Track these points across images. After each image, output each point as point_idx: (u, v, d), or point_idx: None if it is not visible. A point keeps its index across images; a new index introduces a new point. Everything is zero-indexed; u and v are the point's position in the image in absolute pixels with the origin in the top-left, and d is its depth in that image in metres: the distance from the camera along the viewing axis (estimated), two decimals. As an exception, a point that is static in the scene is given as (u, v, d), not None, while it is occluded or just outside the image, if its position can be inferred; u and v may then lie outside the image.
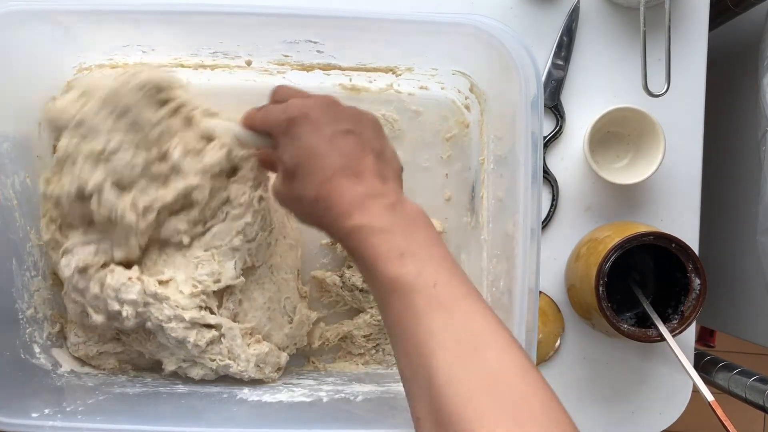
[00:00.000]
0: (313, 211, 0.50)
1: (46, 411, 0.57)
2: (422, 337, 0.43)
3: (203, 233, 0.62)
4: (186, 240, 0.62)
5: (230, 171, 0.62)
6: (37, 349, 0.65)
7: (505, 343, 0.43)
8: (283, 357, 0.67)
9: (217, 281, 0.62)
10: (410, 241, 0.46)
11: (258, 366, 0.65)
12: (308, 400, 0.64)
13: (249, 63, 0.68)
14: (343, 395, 0.64)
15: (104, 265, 0.61)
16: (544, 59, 0.74)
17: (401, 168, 0.54)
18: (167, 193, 0.59)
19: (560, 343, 0.74)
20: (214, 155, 0.60)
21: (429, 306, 0.43)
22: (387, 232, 0.46)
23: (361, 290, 0.70)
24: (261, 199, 0.63)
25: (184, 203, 0.61)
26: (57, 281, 0.67)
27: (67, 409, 0.58)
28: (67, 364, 0.66)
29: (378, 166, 0.50)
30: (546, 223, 0.74)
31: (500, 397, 0.39)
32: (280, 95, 0.56)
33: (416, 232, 0.47)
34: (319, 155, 0.49)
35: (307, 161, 0.50)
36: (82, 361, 0.67)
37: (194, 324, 0.62)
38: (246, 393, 0.64)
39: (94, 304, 0.61)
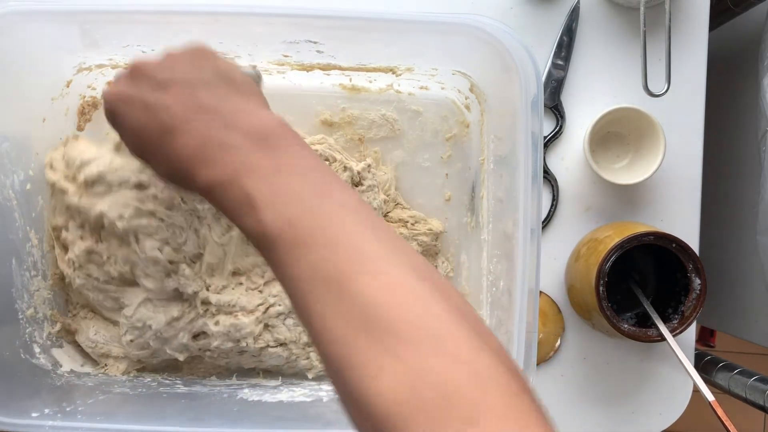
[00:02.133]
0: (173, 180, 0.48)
1: (46, 411, 0.57)
2: (290, 289, 0.39)
3: None
4: None
5: (356, 184, 0.68)
6: (37, 349, 0.65)
7: (382, 264, 0.37)
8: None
9: None
10: (257, 178, 0.42)
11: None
12: (308, 400, 0.64)
13: (253, 68, 0.68)
14: (343, 395, 0.64)
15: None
16: (544, 59, 0.74)
17: (249, 82, 0.49)
18: None
19: (560, 343, 0.74)
20: None
21: (290, 253, 0.39)
22: (228, 181, 0.42)
23: None
24: None
25: None
26: (57, 281, 0.67)
27: (67, 409, 0.58)
28: (67, 364, 0.66)
29: (203, 97, 0.45)
30: (546, 223, 0.74)
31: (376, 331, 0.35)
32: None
33: (264, 159, 0.42)
34: (138, 134, 0.47)
35: (133, 141, 0.48)
36: (91, 359, 0.67)
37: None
38: (246, 393, 0.64)
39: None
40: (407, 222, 0.71)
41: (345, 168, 0.68)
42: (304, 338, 0.67)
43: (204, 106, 0.45)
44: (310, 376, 0.68)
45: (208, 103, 0.45)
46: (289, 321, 0.66)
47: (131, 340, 0.65)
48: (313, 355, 0.67)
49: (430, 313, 0.35)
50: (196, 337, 0.65)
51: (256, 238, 0.41)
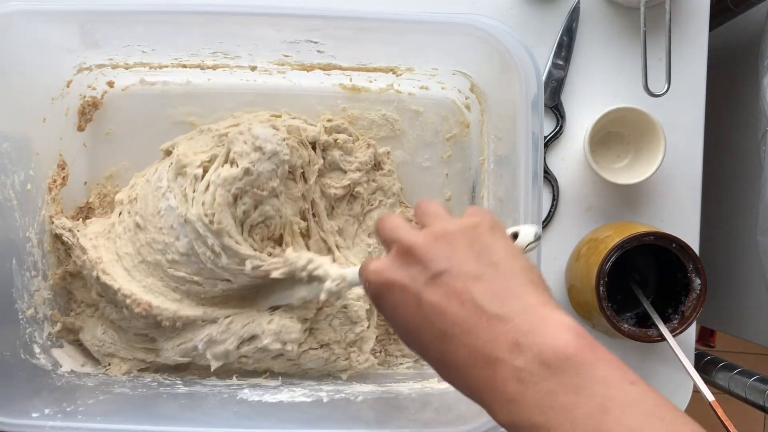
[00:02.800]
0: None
1: (46, 411, 0.57)
2: None
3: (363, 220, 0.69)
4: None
5: (376, 164, 0.70)
6: (37, 349, 0.65)
7: None
8: None
9: None
10: (574, 425, 0.35)
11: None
12: (308, 400, 0.64)
13: (254, 68, 0.68)
14: (343, 395, 0.64)
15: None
16: (544, 59, 0.74)
17: (531, 268, 0.42)
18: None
19: (560, 343, 0.74)
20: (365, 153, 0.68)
21: None
22: (538, 427, 0.35)
23: None
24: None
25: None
26: (57, 281, 0.67)
27: (67, 409, 0.58)
28: (67, 365, 0.66)
29: (484, 299, 0.39)
30: (546, 223, 0.74)
31: None
32: (417, 213, 0.48)
33: (575, 397, 0.35)
34: (411, 331, 0.42)
35: (405, 336, 0.43)
36: (92, 358, 0.67)
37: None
38: (246, 393, 0.64)
39: None
40: (412, 221, 0.71)
41: (369, 145, 0.69)
42: (350, 336, 0.66)
43: (485, 313, 0.38)
44: (344, 377, 0.68)
45: (490, 309, 0.38)
46: (336, 321, 0.66)
47: (179, 344, 0.64)
48: (353, 355, 0.67)
49: None
50: (240, 344, 0.64)
51: None
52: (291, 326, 0.63)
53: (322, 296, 0.57)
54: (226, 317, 0.63)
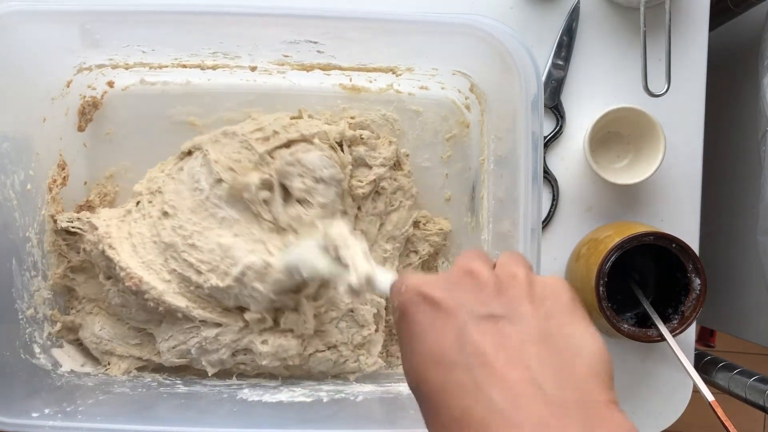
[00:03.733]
0: None
1: (46, 411, 0.57)
2: None
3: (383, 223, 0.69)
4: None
5: (397, 163, 0.70)
6: (37, 349, 0.65)
7: None
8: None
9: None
10: None
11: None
12: (308, 400, 0.64)
13: (254, 69, 0.68)
14: (343, 395, 0.64)
15: None
16: (544, 59, 0.74)
17: (604, 354, 0.34)
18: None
19: (560, 343, 0.74)
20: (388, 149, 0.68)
21: None
22: None
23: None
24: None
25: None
26: (57, 281, 0.67)
27: (67, 409, 0.58)
28: (67, 364, 0.66)
29: (543, 374, 0.32)
30: (546, 223, 0.74)
31: None
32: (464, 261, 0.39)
33: None
34: (435, 362, 0.34)
35: (420, 363, 0.35)
36: (92, 357, 0.67)
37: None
38: (246, 393, 0.64)
39: None
40: (419, 222, 0.71)
41: (390, 142, 0.69)
42: (357, 339, 0.66)
43: (539, 386, 0.31)
44: (352, 378, 0.68)
45: (544, 384, 0.31)
46: (342, 324, 0.66)
47: (174, 347, 0.65)
48: (362, 358, 0.67)
49: None
50: (235, 353, 0.65)
51: None
52: (287, 345, 0.64)
53: (340, 288, 0.50)
54: (215, 324, 0.64)
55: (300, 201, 0.63)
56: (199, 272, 0.62)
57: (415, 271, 0.38)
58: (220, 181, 0.64)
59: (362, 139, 0.68)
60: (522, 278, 0.36)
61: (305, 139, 0.65)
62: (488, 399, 0.31)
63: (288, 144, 0.65)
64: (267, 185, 0.63)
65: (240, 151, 0.65)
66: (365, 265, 0.49)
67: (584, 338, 0.34)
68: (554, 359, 0.32)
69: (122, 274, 0.62)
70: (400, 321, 0.37)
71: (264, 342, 0.64)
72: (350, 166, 0.67)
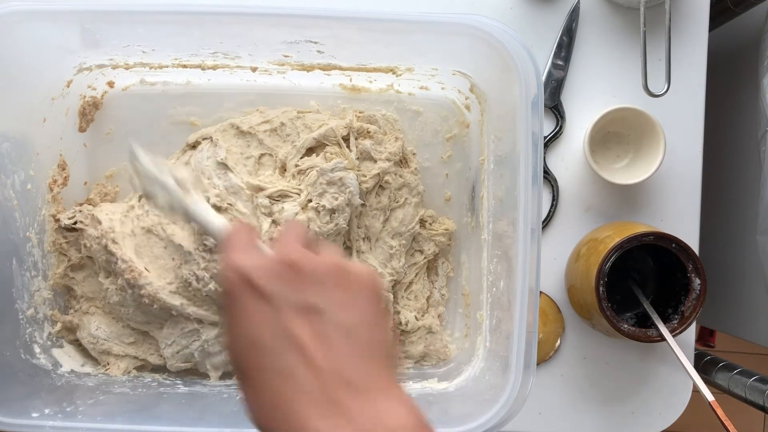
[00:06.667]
0: None
1: (46, 411, 0.57)
2: None
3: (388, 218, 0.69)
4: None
5: (403, 160, 0.70)
6: (37, 349, 0.65)
7: None
8: None
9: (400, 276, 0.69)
10: None
11: None
12: (308, 400, 0.64)
13: (254, 69, 0.68)
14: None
15: None
16: (544, 59, 0.74)
17: (391, 345, 0.40)
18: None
19: (560, 343, 0.74)
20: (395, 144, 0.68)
21: None
22: None
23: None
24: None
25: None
26: (57, 281, 0.67)
27: (67, 409, 0.58)
28: (67, 364, 0.66)
29: (347, 362, 0.37)
30: (546, 223, 0.74)
31: None
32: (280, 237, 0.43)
33: None
34: (253, 346, 0.37)
35: (240, 348, 0.38)
36: (92, 357, 0.68)
37: None
38: (246, 393, 0.64)
39: None
40: (425, 221, 0.71)
41: (396, 138, 0.70)
42: None
43: (346, 378, 0.36)
44: None
45: (351, 377, 0.36)
46: None
47: (177, 352, 0.65)
48: None
49: None
50: None
51: None
52: None
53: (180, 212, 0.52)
54: (212, 324, 0.64)
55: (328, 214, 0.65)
56: (199, 279, 0.63)
57: (247, 228, 0.40)
58: (225, 169, 0.65)
59: (369, 132, 0.69)
60: (337, 268, 0.39)
61: (320, 144, 0.67)
62: (298, 383, 0.36)
63: (308, 152, 0.67)
64: (282, 195, 0.66)
65: (252, 144, 0.68)
66: (202, 203, 0.52)
67: (386, 331, 0.39)
68: (357, 349, 0.37)
69: (123, 266, 0.62)
70: (225, 300, 0.40)
71: None
72: (356, 162, 0.67)
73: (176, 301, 0.63)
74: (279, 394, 0.36)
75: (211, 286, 0.62)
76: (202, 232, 0.63)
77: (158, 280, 0.63)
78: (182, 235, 0.64)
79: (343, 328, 0.37)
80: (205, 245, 0.63)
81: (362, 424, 0.35)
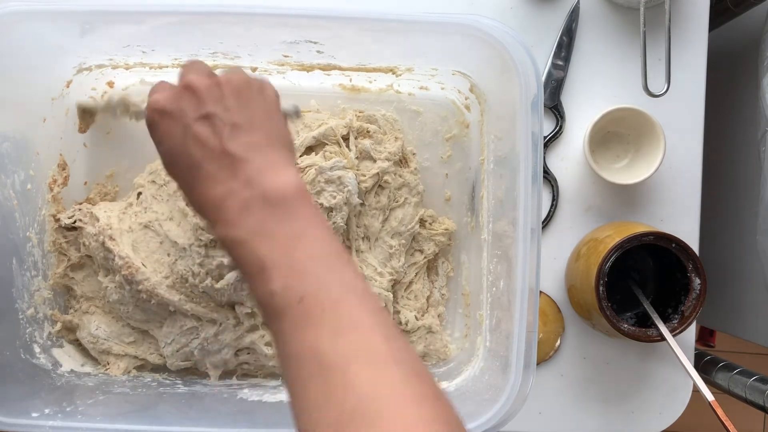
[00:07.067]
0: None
1: (46, 411, 0.57)
2: (286, 362, 0.41)
3: (387, 218, 0.69)
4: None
5: (402, 160, 0.71)
6: (37, 349, 0.65)
7: (378, 362, 0.38)
8: None
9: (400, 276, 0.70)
10: (271, 244, 0.42)
11: None
12: (308, 400, 0.64)
13: (254, 70, 0.68)
14: (343, 395, 0.64)
15: None
16: (544, 59, 0.74)
17: (287, 137, 0.50)
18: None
19: (560, 343, 0.74)
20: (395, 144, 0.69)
21: (295, 329, 0.40)
22: (244, 241, 0.43)
23: None
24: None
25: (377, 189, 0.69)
26: (57, 281, 0.67)
27: (67, 409, 0.58)
28: (67, 364, 0.66)
29: (238, 144, 0.45)
30: (546, 223, 0.74)
31: None
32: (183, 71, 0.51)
33: (279, 225, 0.43)
34: (174, 156, 0.47)
35: (167, 160, 0.48)
36: (92, 357, 0.68)
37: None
38: (246, 393, 0.64)
39: None
40: (425, 221, 0.71)
41: (396, 138, 0.70)
42: None
43: (235, 155, 0.45)
44: None
45: (238, 153, 0.45)
46: None
47: (177, 350, 0.65)
48: None
49: (420, 418, 0.36)
50: (238, 353, 0.66)
51: (264, 307, 0.42)
52: None
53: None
54: (210, 322, 0.64)
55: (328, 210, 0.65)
56: (195, 274, 0.63)
57: (163, 82, 0.50)
58: None
59: (368, 132, 0.69)
60: (228, 82, 0.47)
61: (320, 143, 0.67)
62: (202, 164, 0.45)
63: (308, 151, 0.67)
64: None
65: None
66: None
67: (267, 120, 0.48)
68: (248, 136, 0.46)
69: (120, 263, 0.62)
70: (149, 131, 0.49)
71: (268, 344, 0.65)
72: (356, 161, 0.67)
73: (174, 296, 0.63)
74: (195, 181, 0.46)
75: (208, 282, 0.62)
76: (198, 228, 0.63)
77: (155, 275, 0.63)
78: (178, 232, 0.64)
79: (237, 125, 0.46)
80: (200, 240, 0.63)
81: (245, 181, 0.44)
